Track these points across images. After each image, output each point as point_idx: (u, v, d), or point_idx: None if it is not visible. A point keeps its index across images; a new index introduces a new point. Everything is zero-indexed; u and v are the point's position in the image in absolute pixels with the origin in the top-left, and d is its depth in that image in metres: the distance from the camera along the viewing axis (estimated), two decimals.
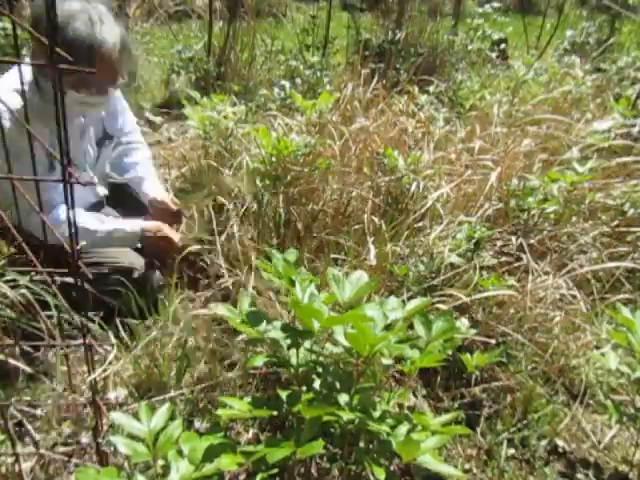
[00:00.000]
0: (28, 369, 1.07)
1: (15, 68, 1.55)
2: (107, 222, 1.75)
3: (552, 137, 2.73)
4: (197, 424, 1.36)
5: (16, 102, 1.44)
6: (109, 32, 1.44)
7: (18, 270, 1.23)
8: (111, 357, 0.95)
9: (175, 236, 1.84)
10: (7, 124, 1.45)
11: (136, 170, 2.02)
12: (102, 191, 1.94)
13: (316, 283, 1.15)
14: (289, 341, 1.09)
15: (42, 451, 1.05)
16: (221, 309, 1.12)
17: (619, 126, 2.59)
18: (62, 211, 1.63)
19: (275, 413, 1.06)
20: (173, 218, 1.96)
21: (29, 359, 1.15)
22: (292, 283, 1.10)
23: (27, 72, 1.51)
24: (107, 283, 1.72)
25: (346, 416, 0.93)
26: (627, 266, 1.90)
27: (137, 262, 1.78)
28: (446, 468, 0.96)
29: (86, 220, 1.69)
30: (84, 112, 1.71)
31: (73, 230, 0.74)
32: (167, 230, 1.82)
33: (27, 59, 1.70)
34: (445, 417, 1.07)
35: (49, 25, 0.64)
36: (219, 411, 1.00)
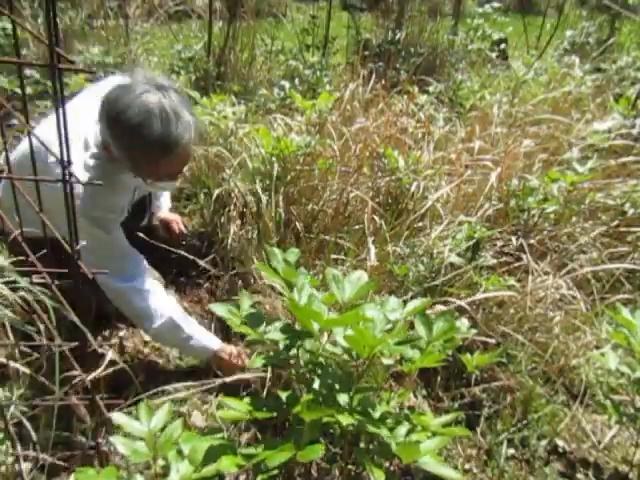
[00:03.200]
0: (28, 370, 1.06)
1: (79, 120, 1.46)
2: (191, 326, 1.62)
3: (552, 137, 2.73)
4: None
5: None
6: (184, 127, 1.37)
7: (18, 270, 1.23)
8: (109, 357, 0.95)
9: (246, 362, 1.66)
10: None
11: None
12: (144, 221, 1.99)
13: (315, 284, 1.15)
14: (288, 342, 1.09)
15: (41, 451, 1.05)
16: (220, 310, 1.11)
17: (619, 126, 2.59)
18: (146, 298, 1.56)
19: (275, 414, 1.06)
20: (175, 241, 2.03)
21: (29, 359, 1.15)
22: (290, 285, 1.10)
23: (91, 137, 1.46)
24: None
25: (345, 420, 0.92)
26: (627, 267, 1.90)
27: None
28: (446, 470, 0.96)
29: (178, 315, 1.60)
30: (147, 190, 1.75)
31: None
32: (243, 356, 1.65)
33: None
34: (445, 418, 1.07)
35: (49, 25, 0.64)
36: (219, 412, 1.00)
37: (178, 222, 2.10)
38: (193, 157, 1.58)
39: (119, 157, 1.39)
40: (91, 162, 1.43)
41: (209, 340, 1.61)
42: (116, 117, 1.30)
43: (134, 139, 1.32)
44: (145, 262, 1.62)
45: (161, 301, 1.57)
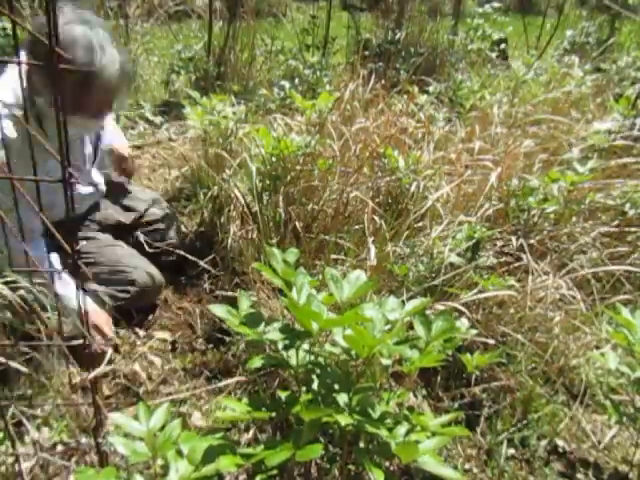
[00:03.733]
0: (27, 370, 1.07)
1: (9, 72, 1.50)
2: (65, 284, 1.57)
3: (552, 137, 2.73)
4: None
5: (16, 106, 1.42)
6: (109, 60, 1.39)
7: (18, 271, 1.23)
8: (109, 356, 0.95)
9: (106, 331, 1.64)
10: (10, 132, 1.40)
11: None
12: (102, 187, 1.94)
13: (314, 284, 1.15)
14: (287, 342, 1.09)
15: (42, 451, 1.05)
16: (220, 310, 1.11)
17: (619, 126, 2.59)
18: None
19: (274, 414, 1.06)
20: (125, 172, 2.02)
21: (29, 359, 1.15)
22: (289, 285, 1.10)
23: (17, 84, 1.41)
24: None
25: (344, 421, 0.92)
26: (627, 267, 1.90)
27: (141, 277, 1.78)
28: (446, 470, 0.96)
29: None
30: (80, 133, 1.68)
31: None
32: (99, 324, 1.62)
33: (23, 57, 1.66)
34: (445, 418, 1.07)
35: (49, 25, 0.64)
36: (218, 413, 1.00)
37: (124, 149, 1.97)
38: (120, 100, 1.56)
39: (40, 89, 1.38)
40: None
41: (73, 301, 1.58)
42: (39, 41, 1.30)
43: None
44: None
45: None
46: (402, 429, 1.02)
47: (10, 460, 1.13)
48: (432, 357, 1.05)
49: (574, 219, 2.16)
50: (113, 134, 1.97)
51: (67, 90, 1.35)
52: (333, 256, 1.87)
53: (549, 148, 2.59)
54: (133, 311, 1.83)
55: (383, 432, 0.97)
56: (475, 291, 1.69)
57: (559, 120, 2.82)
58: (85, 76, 1.35)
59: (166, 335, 1.84)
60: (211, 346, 1.78)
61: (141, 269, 1.80)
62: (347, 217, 2.11)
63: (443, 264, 1.76)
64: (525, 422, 1.53)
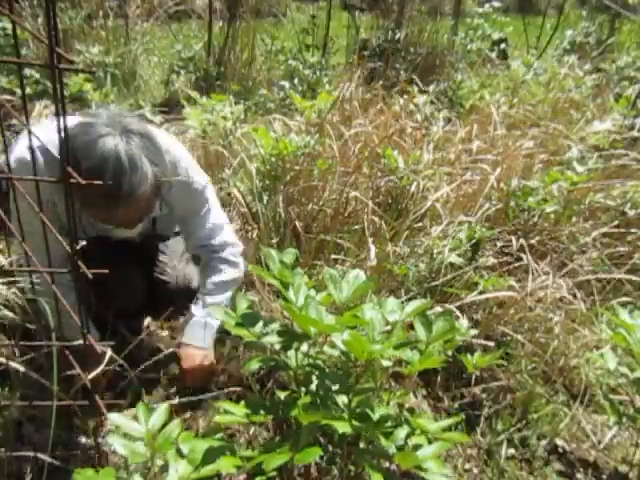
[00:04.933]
0: (27, 370, 1.06)
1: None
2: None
3: (552, 137, 2.73)
4: None
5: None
6: (139, 179, 1.22)
7: (18, 271, 1.23)
8: (108, 356, 0.95)
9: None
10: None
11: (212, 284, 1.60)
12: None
13: (312, 285, 1.14)
14: (285, 345, 1.08)
15: (42, 451, 1.05)
16: (218, 312, 1.11)
17: (619, 126, 2.59)
18: None
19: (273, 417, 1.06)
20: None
21: (28, 359, 1.15)
22: (286, 286, 1.09)
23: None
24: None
25: (342, 428, 0.92)
26: (627, 268, 1.90)
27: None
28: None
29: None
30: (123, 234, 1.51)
31: None
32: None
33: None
34: (445, 422, 1.06)
35: (49, 25, 0.64)
36: (217, 417, 1.00)
37: (197, 362, 1.51)
38: (152, 207, 1.39)
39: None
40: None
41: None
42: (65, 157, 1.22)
43: (80, 189, 1.23)
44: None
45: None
46: (402, 432, 1.01)
47: (10, 460, 1.13)
48: (433, 359, 1.04)
49: (574, 219, 2.16)
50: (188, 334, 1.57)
51: (94, 206, 1.27)
52: (333, 256, 1.87)
53: (549, 148, 2.59)
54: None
55: (382, 440, 0.96)
56: (475, 292, 1.69)
57: (559, 120, 2.82)
58: (111, 197, 1.23)
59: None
60: None
61: None
62: (347, 217, 2.11)
63: (443, 264, 1.76)
64: (525, 422, 1.53)
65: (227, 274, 1.60)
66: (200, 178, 1.55)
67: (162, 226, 1.69)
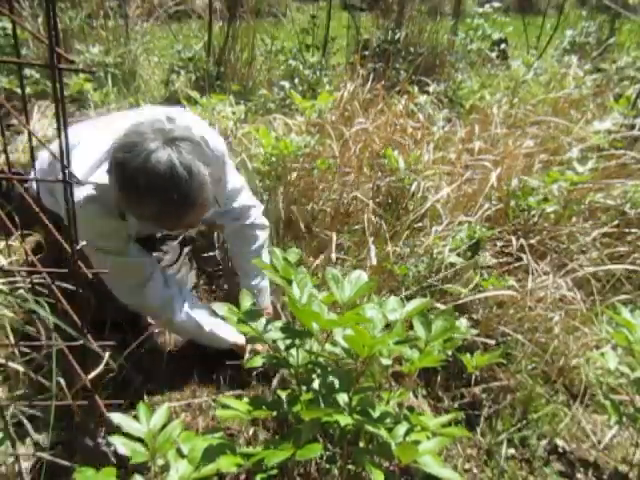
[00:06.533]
0: (27, 370, 1.07)
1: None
2: (212, 322, 1.60)
3: (552, 137, 2.73)
4: None
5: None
6: (198, 185, 1.21)
7: (18, 270, 1.23)
8: (107, 357, 0.95)
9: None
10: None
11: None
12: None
13: (315, 283, 1.15)
14: (288, 342, 1.09)
15: (42, 451, 1.05)
16: (221, 309, 1.11)
17: (619, 126, 2.59)
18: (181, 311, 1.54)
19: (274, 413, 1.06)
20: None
21: (28, 360, 1.15)
22: (290, 283, 1.10)
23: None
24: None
25: (344, 421, 0.92)
26: (627, 267, 1.90)
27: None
28: (446, 472, 0.96)
29: (202, 317, 1.58)
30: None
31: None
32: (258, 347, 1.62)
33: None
34: (444, 418, 1.06)
35: (49, 25, 0.64)
36: (218, 412, 1.00)
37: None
38: (208, 205, 1.35)
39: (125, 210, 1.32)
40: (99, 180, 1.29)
41: (228, 334, 1.61)
42: (123, 184, 1.20)
43: (144, 207, 1.22)
44: (154, 260, 1.59)
45: (176, 298, 1.54)
46: (402, 429, 1.02)
47: (10, 460, 1.13)
48: (432, 357, 1.05)
49: (574, 219, 2.16)
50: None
51: (158, 223, 1.33)
52: (334, 255, 1.88)
53: (549, 148, 2.59)
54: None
55: (383, 432, 0.97)
56: (475, 291, 1.69)
57: (559, 120, 2.82)
58: (180, 210, 1.24)
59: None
60: None
61: None
62: (347, 217, 2.11)
63: (443, 264, 1.76)
64: (525, 422, 1.53)
65: (261, 237, 1.73)
66: (217, 144, 1.51)
67: None
